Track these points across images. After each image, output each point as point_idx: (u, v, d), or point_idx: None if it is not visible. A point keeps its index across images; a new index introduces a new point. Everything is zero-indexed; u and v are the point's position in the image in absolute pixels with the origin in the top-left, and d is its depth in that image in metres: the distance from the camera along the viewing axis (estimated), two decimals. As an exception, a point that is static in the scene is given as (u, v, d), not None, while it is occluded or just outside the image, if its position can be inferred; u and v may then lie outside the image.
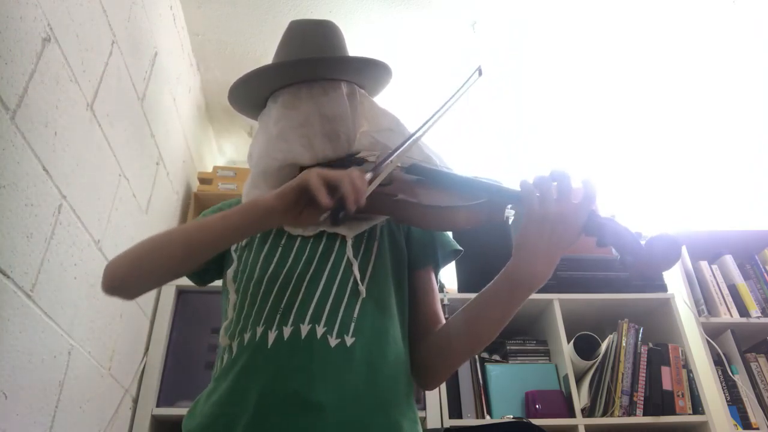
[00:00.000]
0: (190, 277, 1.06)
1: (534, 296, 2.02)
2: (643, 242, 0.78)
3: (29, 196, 1.11)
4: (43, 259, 1.17)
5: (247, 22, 2.26)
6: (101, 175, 1.46)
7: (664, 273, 2.21)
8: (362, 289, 0.89)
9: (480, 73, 0.98)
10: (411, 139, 0.93)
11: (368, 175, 0.82)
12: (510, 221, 0.88)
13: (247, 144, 2.47)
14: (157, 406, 1.81)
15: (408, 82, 2.56)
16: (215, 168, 2.53)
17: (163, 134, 1.97)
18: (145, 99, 1.75)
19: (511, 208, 0.86)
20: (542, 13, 2.26)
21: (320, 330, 0.84)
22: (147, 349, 1.89)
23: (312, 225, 0.89)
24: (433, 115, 0.97)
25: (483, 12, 2.25)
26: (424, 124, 0.96)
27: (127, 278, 0.90)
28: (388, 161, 0.89)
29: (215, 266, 1.03)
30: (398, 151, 0.90)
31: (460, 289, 2.16)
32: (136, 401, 1.80)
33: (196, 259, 0.88)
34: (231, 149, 3.02)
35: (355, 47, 2.56)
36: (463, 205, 0.86)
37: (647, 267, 0.78)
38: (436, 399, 1.89)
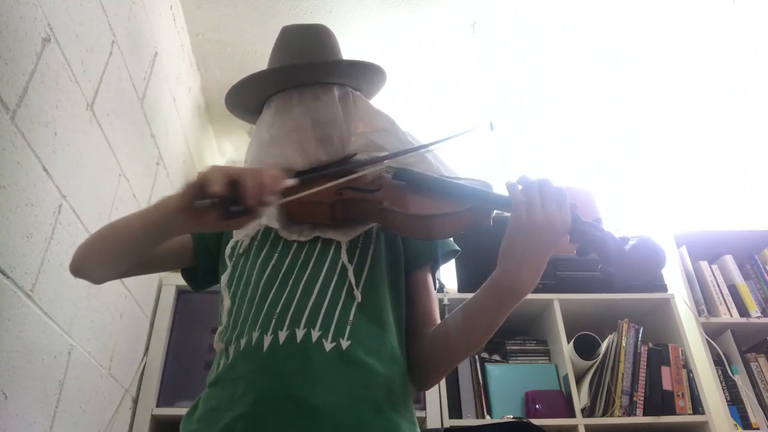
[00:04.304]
0: (188, 283, 1.08)
1: (534, 296, 2.08)
2: (627, 248, 0.77)
3: (29, 196, 1.11)
4: (43, 259, 1.17)
5: (247, 22, 2.25)
6: (101, 175, 1.46)
7: (662, 272, 2.22)
8: (357, 294, 0.89)
9: (491, 128, 0.95)
10: (385, 157, 0.94)
11: (291, 181, 0.81)
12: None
13: (247, 144, 2.46)
14: (157, 406, 1.82)
15: (408, 82, 2.56)
16: (215, 168, 2.52)
17: (163, 134, 1.97)
18: (145, 99, 1.75)
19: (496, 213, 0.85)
20: (542, 13, 2.26)
21: (315, 334, 0.83)
22: (147, 349, 1.89)
23: (218, 228, 0.87)
24: (423, 146, 0.97)
25: (483, 12, 2.25)
26: (411, 149, 0.96)
27: (84, 260, 0.94)
28: (355, 173, 0.90)
29: (206, 274, 1.05)
30: (368, 167, 0.91)
31: (460, 289, 2.16)
32: (136, 401, 1.80)
33: (132, 248, 0.91)
34: (231, 149, 3.02)
35: (354, 47, 2.55)
36: (449, 213, 0.85)
37: (630, 275, 0.76)
38: (436, 399, 1.89)
